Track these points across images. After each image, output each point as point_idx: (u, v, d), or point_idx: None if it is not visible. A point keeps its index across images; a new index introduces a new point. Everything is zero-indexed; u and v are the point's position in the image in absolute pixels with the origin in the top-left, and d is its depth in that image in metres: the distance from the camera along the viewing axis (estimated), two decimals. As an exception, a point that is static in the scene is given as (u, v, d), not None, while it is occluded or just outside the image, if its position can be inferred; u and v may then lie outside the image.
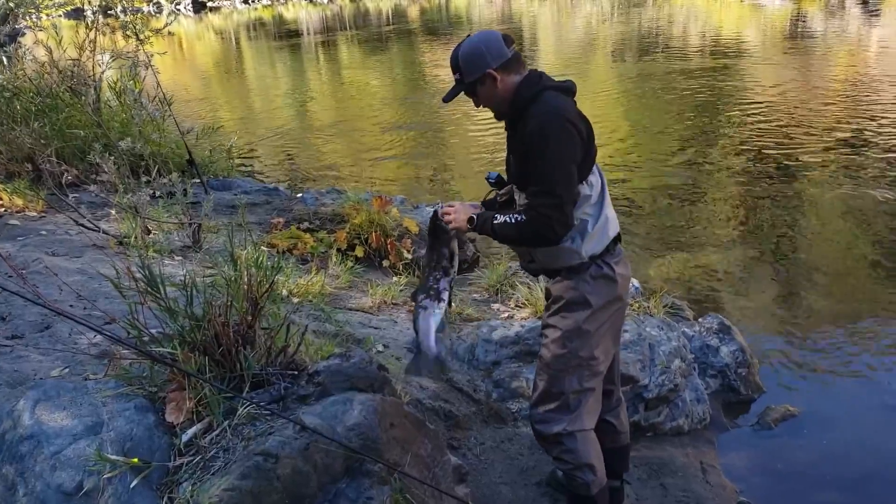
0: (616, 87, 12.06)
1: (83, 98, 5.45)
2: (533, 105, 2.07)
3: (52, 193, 4.74)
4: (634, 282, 3.89)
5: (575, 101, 2.15)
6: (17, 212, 4.81)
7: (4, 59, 6.59)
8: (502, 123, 2.25)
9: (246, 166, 8.84)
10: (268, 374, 2.15)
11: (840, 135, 8.12)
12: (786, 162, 7.37)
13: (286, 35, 26.88)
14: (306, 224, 4.92)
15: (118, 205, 4.39)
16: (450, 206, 2.32)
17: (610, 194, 2.24)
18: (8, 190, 4.92)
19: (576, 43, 18.63)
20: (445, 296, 2.37)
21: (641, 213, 6.36)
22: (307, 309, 3.51)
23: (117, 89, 5.95)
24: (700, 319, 4.04)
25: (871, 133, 8.10)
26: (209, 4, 42.89)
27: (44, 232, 4.43)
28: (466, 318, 3.82)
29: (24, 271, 2.60)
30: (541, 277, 3.29)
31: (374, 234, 4.66)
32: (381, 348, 3.31)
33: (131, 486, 1.81)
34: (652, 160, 7.91)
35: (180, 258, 4.08)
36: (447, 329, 3.48)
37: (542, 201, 2.02)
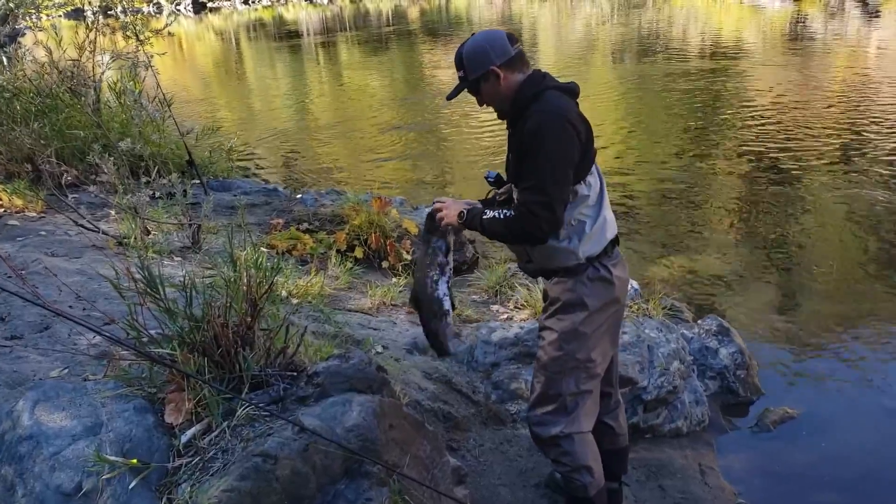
0: (615, 88, 12.06)
1: (83, 99, 5.45)
2: (534, 104, 2.07)
3: (52, 194, 4.74)
4: (633, 283, 3.89)
5: (577, 103, 2.15)
6: (16, 212, 4.81)
7: (4, 60, 6.60)
8: (502, 125, 2.25)
9: (246, 167, 8.84)
10: (267, 375, 2.15)
11: (840, 137, 8.13)
12: (785, 164, 7.38)
13: (286, 36, 26.88)
14: (306, 225, 4.92)
15: (118, 205, 4.39)
16: (440, 201, 2.32)
17: (609, 196, 2.25)
18: (7, 190, 4.92)
19: (575, 44, 18.64)
20: (447, 302, 2.33)
21: (641, 215, 6.36)
22: (306, 310, 3.51)
23: (117, 90, 5.95)
24: (699, 321, 4.04)
25: (870, 135, 8.11)
26: (209, 5, 42.90)
27: (43, 232, 4.43)
28: (465, 320, 3.82)
29: (23, 272, 2.60)
30: (540, 279, 3.29)
31: (373, 235, 4.66)
32: (380, 349, 3.31)
33: (130, 486, 1.81)
34: (651, 162, 7.91)
35: (180, 259, 4.08)
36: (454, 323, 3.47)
37: (531, 198, 2.02)
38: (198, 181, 5.53)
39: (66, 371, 2.49)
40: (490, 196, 2.35)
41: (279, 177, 8.56)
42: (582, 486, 2.34)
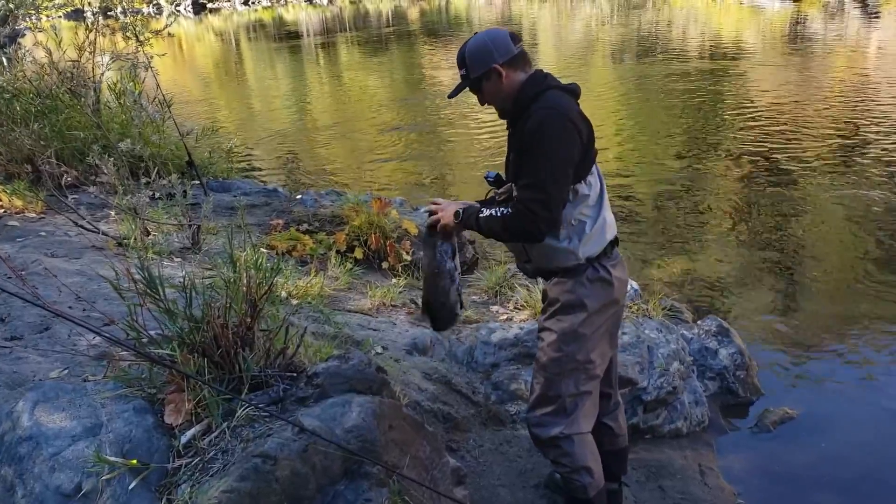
0: (615, 89, 12.07)
1: (83, 99, 5.45)
2: (536, 103, 2.06)
3: (52, 195, 4.74)
4: (633, 284, 3.90)
5: (578, 104, 2.15)
6: (16, 213, 4.80)
7: (4, 61, 6.59)
8: (502, 125, 2.25)
9: (245, 168, 8.84)
10: (267, 375, 2.15)
11: (839, 138, 8.14)
12: (785, 164, 7.38)
13: (286, 37, 26.89)
14: (305, 226, 4.92)
15: (117, 206, 4.39)
16: (435, 202, 2.32)
17: (608, 197, 2.25)
18: (7, 191, 4.92)
19: (575, 45, 18.65)
20: (458, 307, 2.38)
21: (640, 216, 6.37)
22: (306, 310, 3.51)
23: (117, 91, 5.95)
24: (699, 322, 4.04)
25: (870, 135, 8.11)
26: (209, 6, 42.92)
27: (43, 233, 4.43)
28: (465, 321, 3.82)
29: (23, 272, 2.60)
30: (539, 279, 3.29)
31: (373, 235, 4.65)
32: (379, 350, 3.31)
33: (130, 487, 1.81)
34: (650, 163, 7.92)
35: (179, 260, 4.08)
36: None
37: (530, 195, 2.01)
38: (197, 182, 5.53)
39: (66, 372, 2.49)
40: (489, 196, 2.36)
41: (279, 177, 8.57)
42: (581, 486, 2.34)
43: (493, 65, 2.10)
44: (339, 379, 2.14)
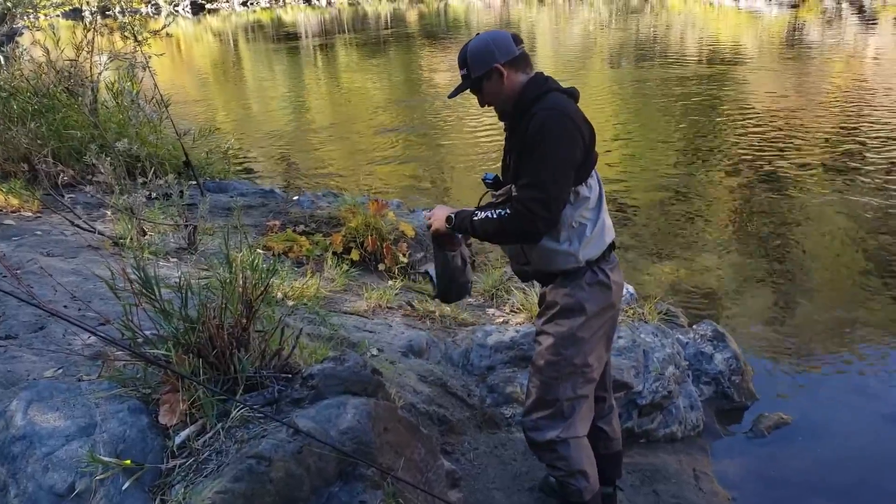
0: (613, 93, 12.10)
1: (80, 99, 5.44)
2: (537, 104, 2.06)
3: (48, 194, 4.73)
4: (629, 288, 3.90)
5: (578, 107, 2.16)
6: (12, 212, 4.79)
7: (2, 59, 6.58)
8: (500, 127, 2.25)
9: (242, 169, 8.84)
10: (262, 376, 2.15)
11: (836, 143, 8.17)
12: (781, 170, 7.40)
13: (284, 38, 26.90)
14: (302, 227, 4.91)
15: (114, 206, 4.38)
16: (429, 210, 2.33)
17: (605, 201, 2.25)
18: (4, 190, 4.90)
19: (573, 49, 18.70)
20: (468, 285, 2.54)
21: (636, 220, 6.38)
22: (302, 312, 3.51)
23: (114, 90, 5.94)
24: (694, 326, 4.05)
25: (866, 141, 8.14)
26: (207, 6, 42.94)
27: (39, 232, 4.42)
28: (461, 323, 3.82)
29: (18, 271, 2.60)
30: (536, 283, 3.29)
31: (369, 237, 4.65)
32: (375, 352, 3.31)
33: (123, 487, 1.81)
34: (647, 167, 7.93)
35: (175, 260, 4.07)
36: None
37: (529, 195, 2.00)
38: (194, 182, 5.52)
39: (61, 371, 2.48)
40: (484, 199, 2.36)
41: (276, 179, 8.56)
42: (577, 490, 2.34)
43: (495, 64, 2.10)
44: (334, 381, 2.14)
